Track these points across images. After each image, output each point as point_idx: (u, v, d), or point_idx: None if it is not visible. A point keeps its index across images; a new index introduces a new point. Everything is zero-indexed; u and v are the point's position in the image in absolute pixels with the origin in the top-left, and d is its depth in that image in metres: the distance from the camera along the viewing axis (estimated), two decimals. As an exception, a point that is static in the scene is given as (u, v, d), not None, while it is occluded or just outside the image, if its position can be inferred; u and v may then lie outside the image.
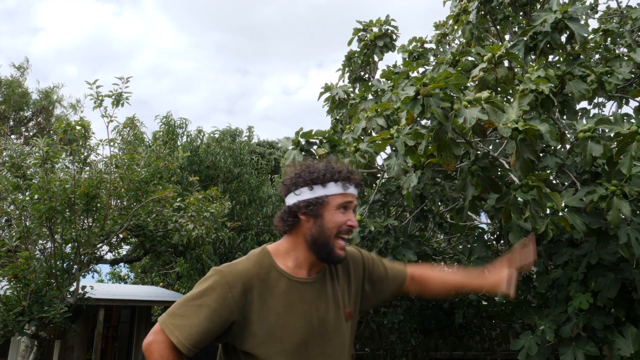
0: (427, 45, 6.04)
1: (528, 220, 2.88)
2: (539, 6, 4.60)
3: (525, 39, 3.71)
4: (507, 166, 3.04)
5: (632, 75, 4.13)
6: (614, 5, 5.71)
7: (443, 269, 1.79)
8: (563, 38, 3.67)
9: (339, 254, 1.52)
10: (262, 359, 1.41)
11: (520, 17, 4.79)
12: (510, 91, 3.57)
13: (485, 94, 2.67)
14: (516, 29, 4.96)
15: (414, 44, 5.95)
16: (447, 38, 6.11)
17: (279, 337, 1.42)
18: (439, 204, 4.73)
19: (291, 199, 1.53)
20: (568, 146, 3.54)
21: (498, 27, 4.93)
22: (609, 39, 5.03)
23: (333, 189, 1.52)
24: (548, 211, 3.17)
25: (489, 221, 6.15)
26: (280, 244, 1.57)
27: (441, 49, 5.97)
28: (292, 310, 1.46)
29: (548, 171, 3.84)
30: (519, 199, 2.90)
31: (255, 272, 1.47)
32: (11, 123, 16.14)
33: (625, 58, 3.88)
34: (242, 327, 1.42)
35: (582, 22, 3.57)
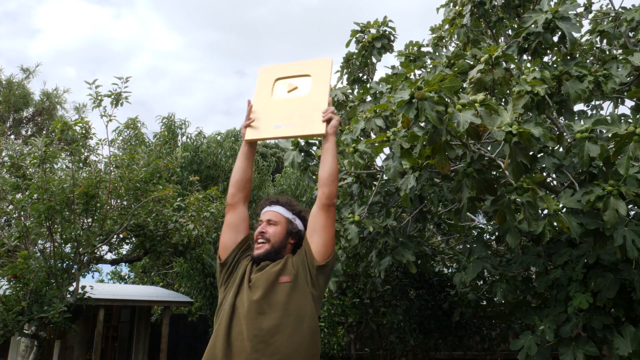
0: (423, 49, 6.04)
1: (522, 223, 2.89)
2: (532, 7, 4.59)
3: (518, 40, 3.70)
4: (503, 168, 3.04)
5: (630, 78, 4.11)
6: (606, 5, 5.68)
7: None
8: (556, 38, 3.67)
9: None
10: None
11: (515, 20, 4.78)
12: (507, 92, 3.57)
13: (480, 96, 2.67)
14: (510, 32, 4.95)
15: (410, 48, 5.95)
16: (444, 41, 6.11)
17: None
18: (439, 204, 4.72)
19: None
20: (567, 146, 3.53)
21: (492, 29, 4.92)
22: (605, 39, 5.02)
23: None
24: (546, 211, 3.18)
25: (487, 223, 6.15)
26: None
27: (437, 53, 5.96)
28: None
29: (546, 172, 3.84)
30: (517, 199, 2.91)
31: None
32: (9, 124, 16.13)
33: (623, 61, 3.86)
34: None
35: (575, 21, 3.57)
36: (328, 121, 2.18)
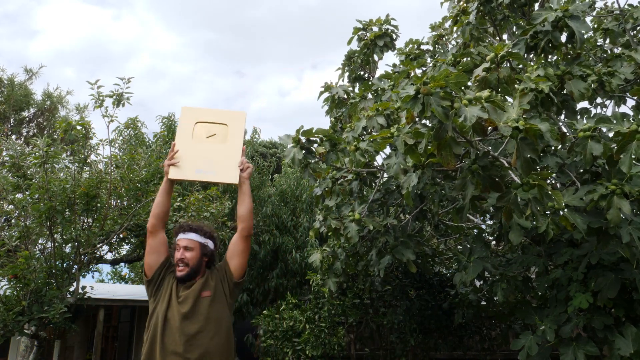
0: (423, 47, 6.04)
1: (529, 219, 2.87)
2: (537, 6, 4.59)
3: (526, 38, 3.69)
4: (507, 165, 3.03)
5: (634, 76, 4.10)
6: (611, 2, 5.68)
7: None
8: (564, 37, 3.67)
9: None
10: None
11: (519, 18, 4.78)
12: (511, 90, 3.56)
13: (485, 92, 2.66)
14: (515, 30, 4.95)
15: (410, 46, 5.95)
16: (444, 39, 6.10)
17: None
18: (439, 204, 4.71)
19: None
20: (568, 145, 3.53)
21: (497, 27, 4.91)
22: (609, 37, 5.01)
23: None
24: (549, 211, 3.16)
25: (483, 222, 6.14)
26: None
27: (441, 50, 5.95)
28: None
29: (548, 171, 3.82)
30: (520, 198, 2.90)
31: None
32: (10, 123, 16.11)
33: (626, 58, 3.86)
34: None
35: (584, 20, 3.56)
36: (242, 169, 2.66)
